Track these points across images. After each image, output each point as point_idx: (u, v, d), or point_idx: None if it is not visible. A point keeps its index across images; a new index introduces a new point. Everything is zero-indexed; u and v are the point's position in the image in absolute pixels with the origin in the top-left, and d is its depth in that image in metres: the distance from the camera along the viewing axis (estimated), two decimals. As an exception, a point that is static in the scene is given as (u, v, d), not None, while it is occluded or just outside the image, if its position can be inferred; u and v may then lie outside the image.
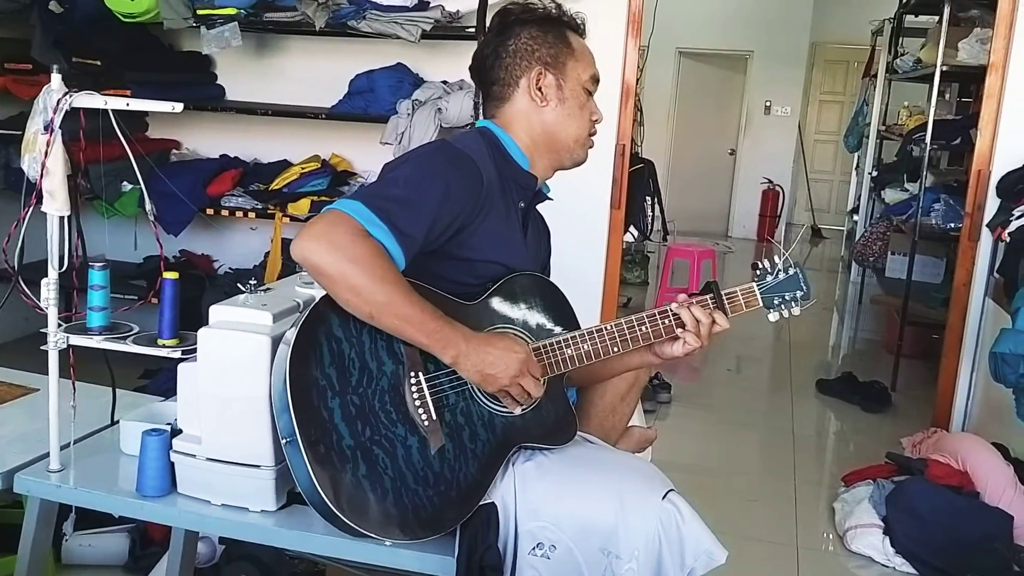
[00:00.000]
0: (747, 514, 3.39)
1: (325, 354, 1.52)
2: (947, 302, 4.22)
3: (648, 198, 5.50)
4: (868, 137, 7.57)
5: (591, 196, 4.23)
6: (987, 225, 3.96)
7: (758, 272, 1.75)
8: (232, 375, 1.62)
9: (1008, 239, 3.57)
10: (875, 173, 7.04)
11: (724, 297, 1.73)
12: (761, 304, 1.75)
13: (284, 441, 1.51)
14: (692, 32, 9.65)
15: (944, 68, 4.77)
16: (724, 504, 3.47)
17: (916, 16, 6.44)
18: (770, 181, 10.02)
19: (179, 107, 1.73)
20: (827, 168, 10.90)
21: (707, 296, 1.73)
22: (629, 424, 2.06)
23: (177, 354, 1.72)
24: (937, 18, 5.01)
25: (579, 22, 1.87)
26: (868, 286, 6.87)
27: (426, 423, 1.58)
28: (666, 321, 1.72)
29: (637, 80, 9.34)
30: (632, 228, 5.23)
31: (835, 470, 3.78)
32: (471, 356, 1.56)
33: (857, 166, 8.41)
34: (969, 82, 5.95)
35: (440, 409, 1.60)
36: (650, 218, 5.51)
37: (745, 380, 5.19)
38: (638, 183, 5.24)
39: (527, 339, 1.70)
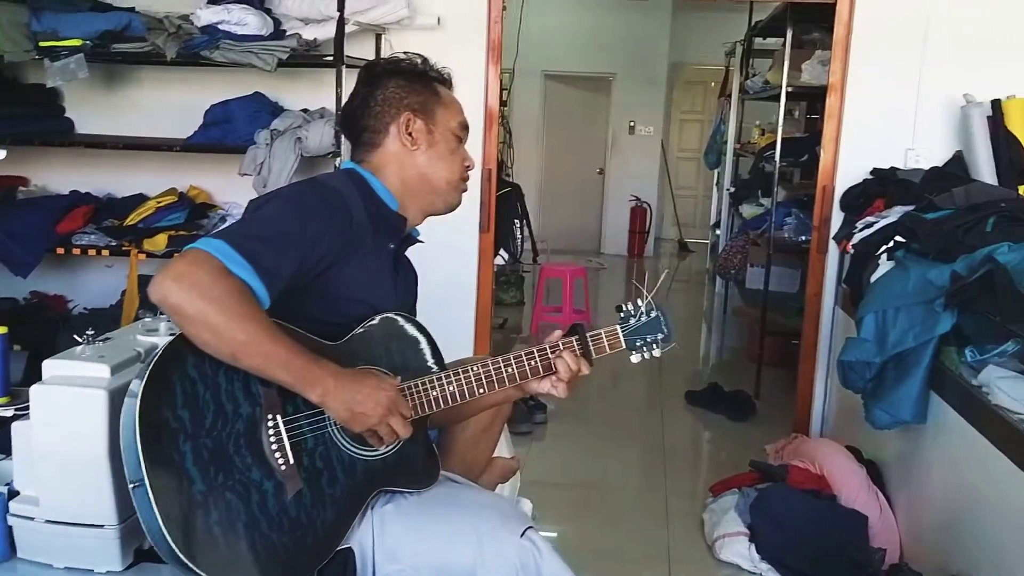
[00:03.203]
0: (621, 529, 3.45)
1: (178, 395, 1.48)
2: (802, 311, 4.42)
3: (517, 221, 5.56)
4: (726, 154, 7.88)
5: (460, 221, 4.18)
6: (833, 238, 4.18)
7: (622, 315, 1.79)
8: (69, 432, 1.54)
9: (852, 251, 3.77)
10: (733, 189, 7.34)
11: (589, 340, 1.76)
12: (624, 346, 1.78)
13: (132, 486, 1.46)
14: (556, 55, 9.84)
15: (789, 89, 5.01)
16: (599, 520, 3.53)
17: (764, 39, 6.75)
18: (638, 198, 10.31)
19: (2, 154, 1.64)
20: (691, 184, 11.29)
21: (573, 338, 1.76)
22: (493, 455, 2.06)
23: (9, 412, 1.62)
24: (783, 41, 5.25)
25: (446, 76, 1.91)
26: (732, 297, 7.12)
27: (283, 467, 1.54)
28: (533, 363, 1.73)
29: (505, 103, 9.52)
30: (502, 251, 5.27)
31: (704, 480, 3.89)
32: (340, 394, 1.54)
33: (717, 182, 8.73)
34: (816, 101, 6.28)
35: (298, 453, 1.57)
36: (520, 240, 5.57)
37: (619, 395, 5.28)
38: (506, 206, 5.30)
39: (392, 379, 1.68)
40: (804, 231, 5.03)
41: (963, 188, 3.43)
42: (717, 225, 8.32)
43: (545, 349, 1.73)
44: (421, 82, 1.85)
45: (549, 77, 10.18)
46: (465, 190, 1.91)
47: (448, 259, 3.93)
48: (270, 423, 1.55)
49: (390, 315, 1.73)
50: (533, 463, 4.05)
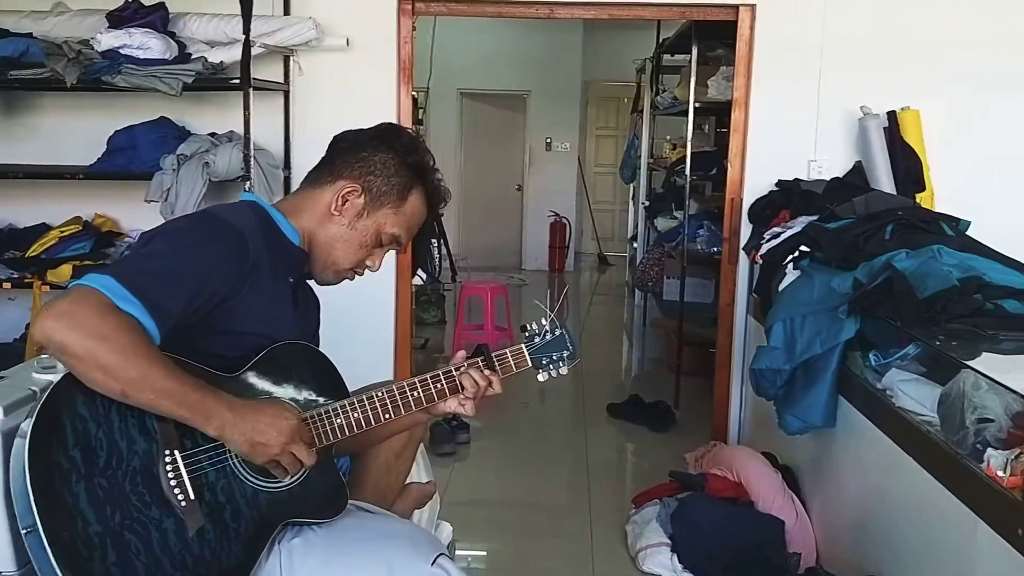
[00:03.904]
0: (545, 546, 3.45)
1: (69, 435, 1.44)
2: (717, 321, 4.50)
3: (434, 240, 5.55)
4: (640, 169, 8.01)
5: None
6: (743, 248, 4.28)
7: (526, 333, 1.79)
8: (-40, 477, 1.47)
9: (761, 261, 3.86)
10: (648, 203, 7.45)
11: (495, 360, 1.76)
12: (530, 364, 1.79)
13: (24, 531, 1.41)
14: (471, 73, 9.89)
15: (697, 104, 5.12)
16: (523, 538, 3.54)
17: (672, 55, 6.89)
18: (557, 214, 10.40)
19: None
20: (608, 199, 11.44)
21: (479, 359, 1.76)
22: (408, 481, 2.04)
23: None
24: (689, 57, 5.37)
25: (441, 195, 1.87)
26: (650, 309, 7.23)
27: (183, 503, 1.50)
28: (438, 385, 1.73)
29: (421, 122, 9.49)
30: (420, 271, 5.25)
31: (628, 493, 3.92)
32: (239, 425, 1.51)
33: (633, 196, 8.86)
34: (724, 115, 6.43)
35: (199, 488, 1.53)
36: (438, 259, 5.56)
37: (542, 411, 5.30)
38: (424, 226, 5.28)
39: (295, 409, 1.65)
40: (716, 243, 5.13)
41: (863, 197, 3.56)
42: (634, 238, 8.44)
43: (450, 370, 1.73)
44: (406, 177, 1.79)
45: (465, 95, 10.22)
46: (349, 279, 1.85)
47: (364, 281, 3.86)
48: (167, 459, 1.51)
49: (288, 344, 1.69)
50: (457, 484, 4.04)
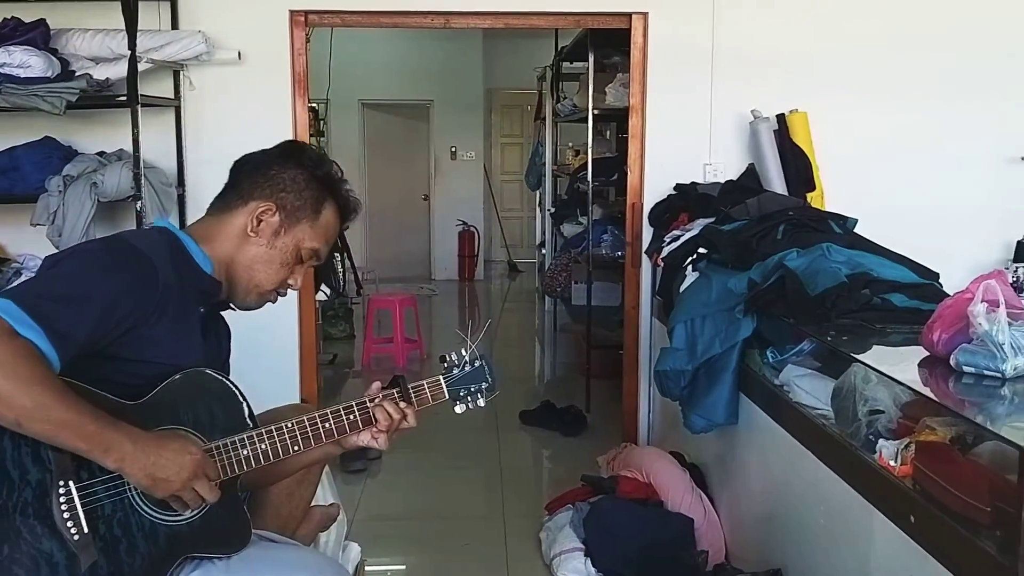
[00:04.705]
0: (460, 557, 3.43)
1: None
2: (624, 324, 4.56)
3: (337, 254, 5.47)
4: (546, 176, 8.08)
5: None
6: (645, 252, 4.35)
7: (445, 365, 1.77)
8: None
9: (662, 264, 3.93)
10: (553, 209, 7.51)
11: (411, 391, 1.73)
12: (447, 397, 1.77)
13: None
14: (372, 84, 9.83)
15: (596, 111, 5.19)
16: (438, 550, 3.51)
17: (571, 63, 6.97)
18: (465, 222, 10.40)
19: None
20: (516, 206, 11.50)
21: (394, 391, 1.73)
22: (312, 504, 2.00)
23: None
24: (587, 65, 5.44)
25: (352, 205, 1.85)
26: (560, 314, 7.28)
27: (76, 537, 1.45)
28: (351, 416, 1.70)
29: (322, 134, 9.38)
30: (323, 286, 5.17)
31: (541, 500, 3.93)
32: (139, 459, 1.46)
33: (540, 203, 8.93)
34: (624, 121, 6.52)
35: (93, 521, 1.48)
36: (341, 273, 5.49)
37: (455, 421, 5.14)
38: (326, 240, 5.22)
39: (199, 439, 1.60)
40: (620, 247, 5.21)
41: (756, 199, 3.64)
42: (542, 245, 8.50)
43: (364, 401, 1.70)
44: (316, 192, 1.77)
45: (366, 106, 10.13)
46: (272, 301, 1.83)
47: (266, 299, 3.82)
48: (62, 490, 1.46)
49: (195, 371, 1.64)
50: (369, 500, 3.98)
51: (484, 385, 1.78)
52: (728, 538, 3.18)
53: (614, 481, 3.44)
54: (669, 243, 3.90)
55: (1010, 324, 1.89)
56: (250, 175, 1.77)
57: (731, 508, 3.19)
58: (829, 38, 4.23)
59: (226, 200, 1.78)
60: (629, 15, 4.22)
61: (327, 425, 1.67)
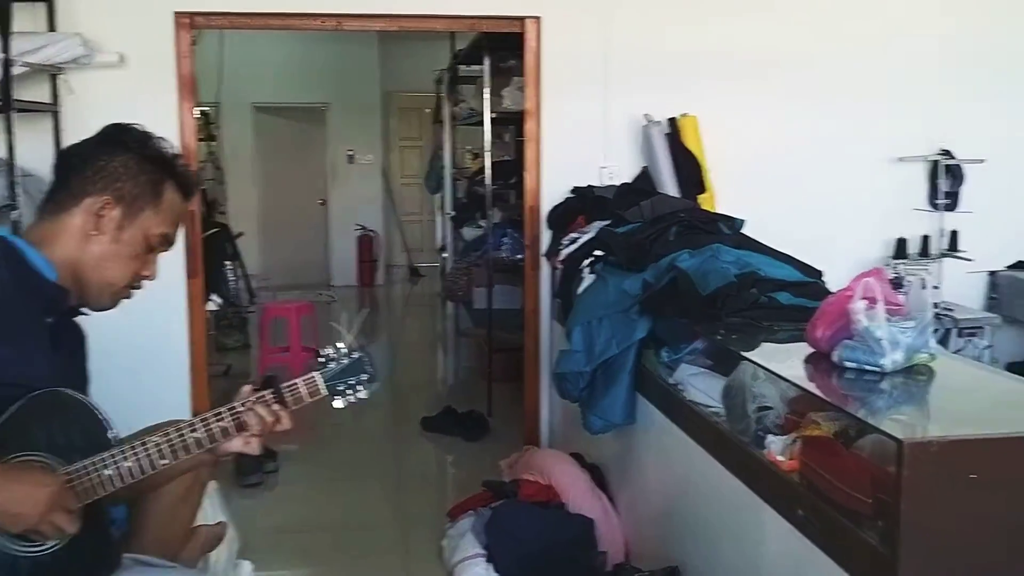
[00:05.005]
0: (359, 570, 3.38)
1: None
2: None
3: (228, 262, 5.33)
4: (445, 179, 8.04)
5: (162, 267, 3.97)
6: (544, 255, 4.37)
7: (321, 359, 1.69)
8: None
9: (560, 266, 3.95)
10: (453, 213, 7.49)
11: (285, 391, 1.65)
12: (325, 393, 1.69)
13: None
14: (265, 87, 9.60)
15: (493, 115, 5.19)
16: (337, 563, 3.44)
17: (468, 66, 6.94)
18: (363, 227, 10.27)
19: None
20: (416, 210, 11.42)
21: (267, 392, 1.65)
22: (196, 524, 1.92)
23: None
24: (483, 68, 5.43)
25: (192, 180, 1.76)
26: (462, 318, 7.25)
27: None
28: (222, 423, 1.61)
29: (214, 138, 9.13)
30: (214, 296, 5.02)
31: (443, 506, 3.89)
32: None
33: (440, 207, 8.89)
34: (522, 124, 6.54)
35: (-52, 558, 1.37)
36: (232, 282, 5.34)
37: (354, 430, 5.18)
38: (216, 248, 5.07)
39: (55, 465, 1.51)
40: (520, 250, 5.20)
41: (649, 201, 3.70)
42: (443, 249, 8.46)
43: (235, 406, 1.62)
44: (152, 174, 1.68)
45: (259, 109, 9.89)
46: (128, 297, 1.73)
47: (152, 311, 3.65)
48: None
49: (47, 392, 1.54)
50: (266, 514, 3.88)
51: (365, 377, 1.70)
52: (628, 537, 3.21)
53: (516, 485, 3.43)
54: (567, 246, 3.92)
55: (888, 320, 1.95)
56: (78, 170, 1.67)
57: (630, 507, 3.23)
58: (718, 44, 4.33)
59: (57, 200, 1.68)
60: (523, 19, 4.23)
61: (196, 435, 1.59)
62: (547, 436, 4.41)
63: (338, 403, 1.69)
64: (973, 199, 4.50)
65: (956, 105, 4.48)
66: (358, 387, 1.69)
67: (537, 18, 4.22)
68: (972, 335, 4.26)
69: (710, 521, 2.48)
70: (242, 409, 1.61)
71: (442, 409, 5.11)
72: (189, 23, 4.04)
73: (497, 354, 5.41)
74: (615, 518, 3.25)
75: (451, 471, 4.66)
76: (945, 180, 4.45)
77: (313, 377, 1.66)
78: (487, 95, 5.18)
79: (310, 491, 4.23)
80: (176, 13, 3.99)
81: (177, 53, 4.00)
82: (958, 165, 4.46)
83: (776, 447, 2.03)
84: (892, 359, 1.94)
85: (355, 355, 1.69)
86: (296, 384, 1.65)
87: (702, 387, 2.61)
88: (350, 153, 10.30)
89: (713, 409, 2.49)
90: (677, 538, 2.76)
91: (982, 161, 4.43)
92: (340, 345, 1.68)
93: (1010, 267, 4.59)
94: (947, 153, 4.42)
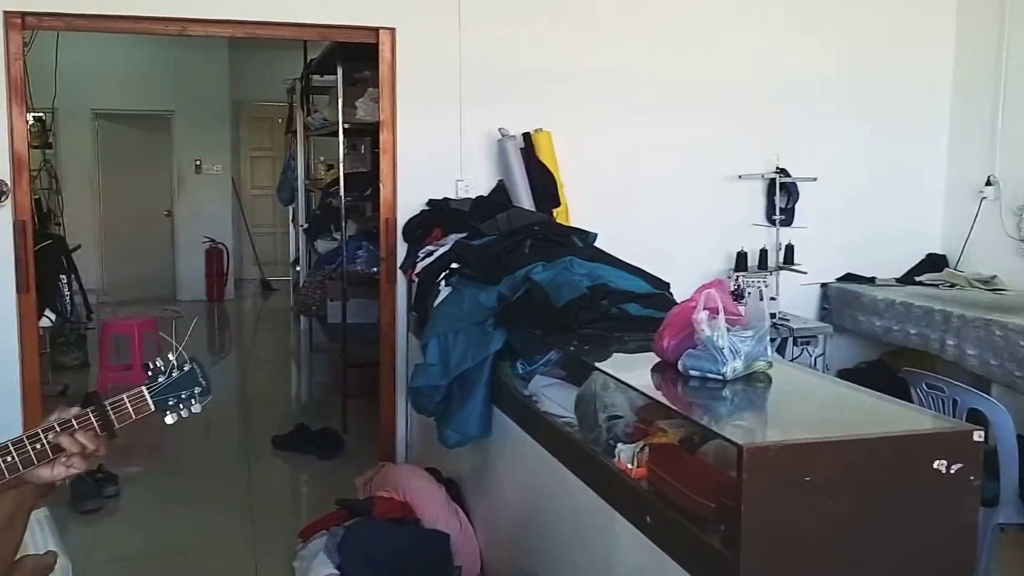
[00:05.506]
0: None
1: None
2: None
3: (63, 276, 5.03)
4: (298, 190, 7.87)
5: (-10, 283, 3.75)
6: (400, 267, 4.33)
7: (150, 373, 1.59)
8: None
9: (416, 279, 3.92)
10: (307, 225, 7.33)
11: (109, 409, 1.55)
12: (154, 408, 1.59)
13: None
14: (107, 93, 9.15)
15: (347, 125, 5.12)
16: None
17: (322, 76, 6.84)
18: (212, 240, 9.92)
19: None
20: (268, 222, 11.14)
21: (88, 410, 1.54)
22: (21, 554, 1.78)
23: None
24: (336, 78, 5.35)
25: None
26: (316, 333, 7.11)
27: None
28: (37, 446, 1.49)
29: (50, 145, 8.64)
30: (48, 312, 4.73)
31: (296, 527, 3.78)
32: None
33: (293, 219, 8.70)
34: (377, 136, 6.48)
35: None
36: (68, 297, 5.04)
37: (202, 451, 4.98)
38: (49, 262, 4.78)
39: None
40: (376, 263, 5.15)
41: (505, 214, 3.74)
42: (297, 262, 8.28)
43: (54, 427, 1.51)
44: None
45: (100, 116, 9.41)
46: None
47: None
48: None
49: None
50: (107, 541, 3.69)
51: (197, 390, 1.62)
52: (484, 550, 3.21)
53: (370, 502, 3.38)
54: (423, 258, 3.91)
55: (729, 330, 2.03)
56: None
57: (486, 520, 3.23)
58: (570, 60, 4.42)
59: None
60: (376, 30, 4.20)
61: (9, 459, 1.47)
62: (403, 451, 4.36)
63: (169, 419, 1.60)
64: (807, 215, 4.76)
65: (792, 126, 4.74)
66: (191, 401, 1.60)
67: (391, 29, 4.19)
68: (807, 343, 4.50)
69: (563, 531, 2.51)
70: (60, 431, 1.50)
71: (295, 427, 4.97)
72: (20, 23, 3.81)
73: (352, 369, 5.32)
74: (471, 532, 3.24)
75: (304, 490, 4.54)
76: (781, 197, 4.69)
77: (142, 392, 1.56)
78: (340, 105, 5.10)
79: (154, 516, 4.04)
80: (5, 12, 3.75)
81: (7, 55, 3.77)
82: (793, 183, 4.71)
83: (625, 455, 2.07)
84: (732, 367, 2.02)
85: (186, 367, 1.61)
86: (122, 400, 1.55)
87: (555, 398, 2.64)
88: (198, 162, 9.93)
89: (566, 419, 2.52)
90: (532, 550, 2.77)
91: (815, 179, 4.70)
92: (170, 357, 1.59)
93: (840, 279, 4.88)
94: (783, 171, 4.67)
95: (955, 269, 4.86)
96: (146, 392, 1.56)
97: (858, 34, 4.80)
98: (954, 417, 2.85)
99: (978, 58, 4.81)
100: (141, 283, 9.47)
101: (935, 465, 1.68)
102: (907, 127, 4.96)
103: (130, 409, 1.55)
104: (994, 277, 4.65)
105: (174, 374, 1.58)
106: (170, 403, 1.58)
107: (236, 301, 10.25)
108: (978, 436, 1.72)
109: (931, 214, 5.05)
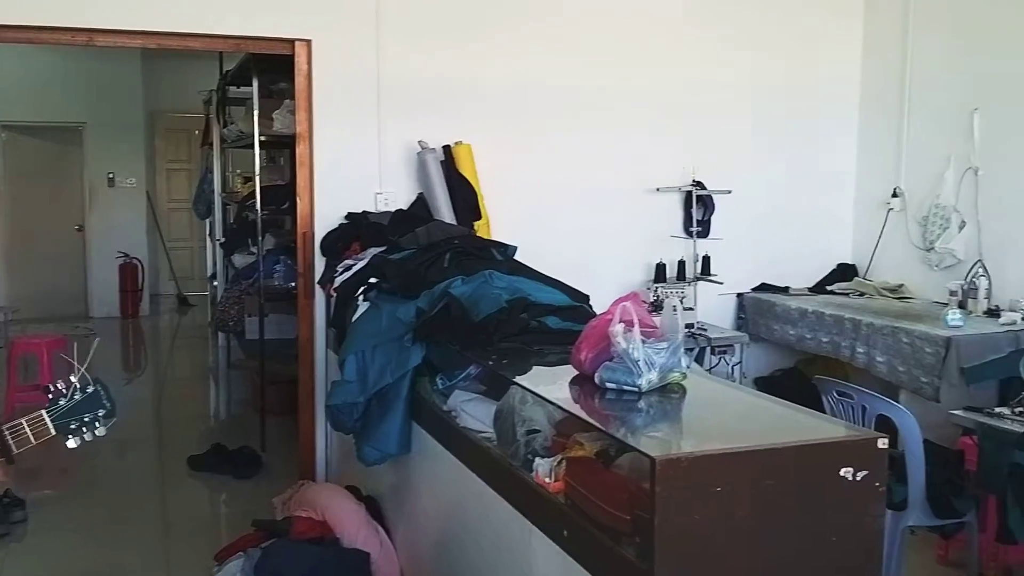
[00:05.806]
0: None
1: None
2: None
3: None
4: (215, 204, 7.71)
5: None
6: (318, 282, 4.26)
7: (51, 395, 1.53)
8: None
9: (335, 294, 3.87)
10: (223, 239, 7.18)
11: (7, 433, 1.48)
12: (55, 432, 1.53)
13: None
14: (14, 104, 8.81)
15: (263, 138, 5.03)
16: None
17: (238, 87, 6.71)
18: (126, 254, 9.64)
19: None
20: (184, 236, 10.87)
21: None
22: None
23: None
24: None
25: None
26: (235, 349, 6.95)
27: None
28: None
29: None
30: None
31: (211, 550, 3.68)
32: None
33: (210, 232, 8.51)
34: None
35: None
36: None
37: (118, 471, 4.82)
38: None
39: None
40: (294, 277, 5.06)
41: (425, 228, 3.72)
42: (214, 277, 8.09)
43: None
44: None
45: (6, 128, 9.08)
46: None
47: None
48: None
49: None
50: (13, 570, 3.54)
51: (101, 412, 1.58)
52: (405, 568, 3.17)
53: (288, 522, 3.31)
54: (341, 273, 3.85)
55: (644, 342, 2.05)
56: None
57: (406, 537, 3.19)
58: (488, 73, 4.42)
59: None
60: (292, 41, 4.13)
61: None
62: (323, 469, 4.29)
63: (72, 442, 1.55)
64: (723, 227, 4.85)
65: (707, 140, 4.82)
66: (95, 423, 1.56)
67: (307, 41, 4.14)
68: (724, 352, 4.57)
69: (484, 547, 2.50)
70: None
71: (211, 447, 4.85)
72: (-85, 30, 3.64)
73: (270, 386, 5.23)
74: (391, 550, 3.21)
75: (221, 512, 4.43)
76: (697, 209, 4.77)
77: (42, 415, 1.51)
78: (256, 117, 5.02)
79: (64, 541, 3.89)
80: (-102, 20, 3.59)
81: (-103, 62, 3.59)
82: (709, 195, 4.80)
83: (543, 469, 2.07)
84: (648, 379, 2.04)
85: (89, 389, 1.56)
86: (20, 425, 1.49)
87: (475, 413, 2.62)
88: (111, 175, 9.64)
89: (485, 434, 2.51)
90: (453, 566, 2.75)
91: (729, 192, 4.79)
92: (72, 379, 1.54)
93: (754, 289, 4.99)
94: (699, 184, 4.75)
95: (864, 278, 5.01)
96: (46, 416, 1.51)
97: (772, 47, 4.92)
98: (863, 424, 2.93)
99: (884, 69, 4.97)
100: (52, 300, 9.15)
101: (842, 472, 1.72)
102: (818, 139, 5.10)
103: (29, 433, 1.50)
104: (901, 286, 4.80)
105: (76, 396, 1.54)
106: (72, 426, 1.53)
107: (152, 317, 9.97)
108: (882, 443, 1.77)
109: (841, 225, 5.20)
